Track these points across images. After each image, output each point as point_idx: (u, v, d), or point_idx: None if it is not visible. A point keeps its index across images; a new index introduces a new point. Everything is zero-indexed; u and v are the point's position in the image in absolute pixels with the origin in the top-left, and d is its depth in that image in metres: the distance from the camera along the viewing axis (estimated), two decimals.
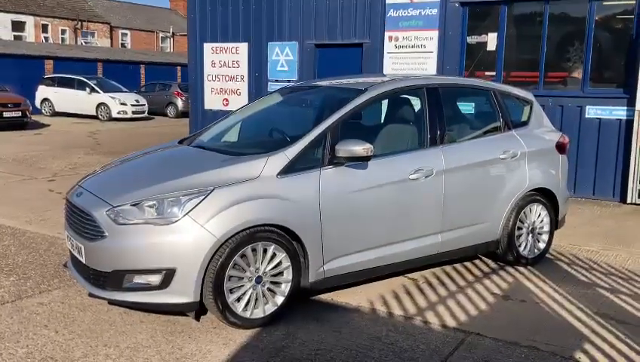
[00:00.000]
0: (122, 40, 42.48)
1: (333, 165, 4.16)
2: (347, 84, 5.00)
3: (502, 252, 5.24)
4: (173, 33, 44.97)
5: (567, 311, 4.36)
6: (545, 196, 5.40)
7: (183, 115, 25.43)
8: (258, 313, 3.91)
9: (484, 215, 5.02)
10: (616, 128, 8.36)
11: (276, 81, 11.05)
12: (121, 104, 22.86)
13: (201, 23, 11.74)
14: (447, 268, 5.25)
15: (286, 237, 3.94)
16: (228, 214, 3.73)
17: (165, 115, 25.63)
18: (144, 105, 23.78)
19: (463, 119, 5.18)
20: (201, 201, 3.71)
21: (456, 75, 9.26)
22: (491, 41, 9.24)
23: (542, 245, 5.47)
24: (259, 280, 3.90)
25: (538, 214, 5.39)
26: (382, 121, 4.81)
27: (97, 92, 23.09)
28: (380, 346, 3.71)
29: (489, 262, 5.46)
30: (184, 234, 3.65)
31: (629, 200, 8.25)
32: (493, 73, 9.17)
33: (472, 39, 9.38)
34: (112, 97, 22.89)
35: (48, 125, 19.66)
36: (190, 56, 12.09)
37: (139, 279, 3.72)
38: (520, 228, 5.27)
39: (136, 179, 4.15)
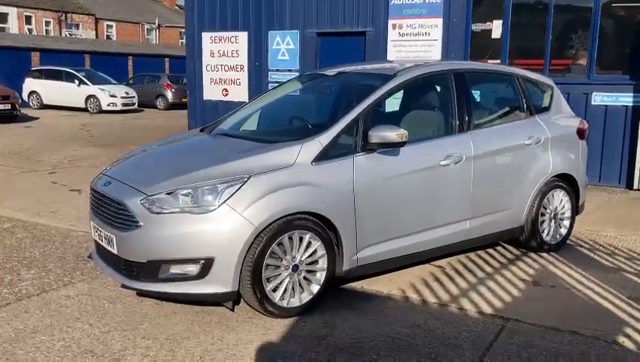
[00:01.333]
0: (107, 32, 41.87)
1: (365, 152, 4.09)
2: (372, 69, 4.93)
3: (525, 238, 5.22)
4: (159, 25, 44.42)
5: (599, 295, 4.35)
6: (566, 182, 5.39)
7: (172, 106, 25.25)
8: (295, 302, 3.85)
9: (509, 201, 4.99)
10: (622, 115, 8.39)
11: (277, 70, 10.95)
12: (111, 96, 22.55)
13: (199, 12, 11.57)
14: (471, 255, 5.22)
15: (321, 226, 3.88)
16: (265, 202, 3.65)
17: (155, 106, 25.35)
18: (134, 97, 23.49)
19: (489, 105, 5.14)
20: (238, 189, 3.63)
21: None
22: (496, 28, 9.21)
23: (563, 231, 5.47)
24: (295, 268, 3.84)
25: (560, 200, 5.38)
26: (410, 107, 4.74)
27: (86, 84, 22.75)
28: (421, 334, 3.66)
29: (511, 248, 5.44)
30: (223, 223, 3.57)
31: (635, 187, 8.30)
32: (498, 61, 9.13)
33: (477, 27, 9.35)
34: (101, 89, 22.57)
35: (37, 118, 19.32)
36: (188, 46, 11.93)
37: (176, 269, 3.64)
38: (543, 215, 5.25)
39: (167, 168, 4.04)
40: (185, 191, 3.66)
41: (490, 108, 5.11)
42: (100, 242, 4.06)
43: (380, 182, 4.14)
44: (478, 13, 9.29)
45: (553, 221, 5.35)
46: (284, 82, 5.43)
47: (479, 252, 5.30)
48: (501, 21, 9.13)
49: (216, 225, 3.57)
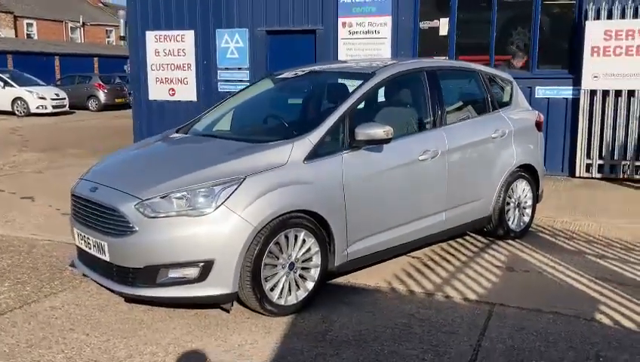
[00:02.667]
0: (28, 30, 39.97)
1: (351, 149, 4.19)
2: (349, 68, 5.03)
3: (493, 227, 5.47)
4: (83, 23, 42.83)
5: (569, 277, 4.64)
6: (528, 172, 5.69)
7: (105, 107, 24.47)
8: (292, 300, 3.90)
9: (479, 192, 5.22)
10: (563, 107, 8.88)
11: (226, 68, 10.87)
12: (40, 98, 21.61)
13: (142, 10, 11.29)
14: (444, 245, 5.43)
15: (314, 223, 3.95)
16: (262, 202, 3.68)
17: (87, 108, 24.49)
18: (64, 98, 22.60)
19: (458, 101, 5.35)
20: (235, 190, 3.63)
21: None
22: (443, 26, 9.52)
23: (526, 219, 5.77)
24: (291, 266, 3.88)
25: (523, 189, 5.67)
26: (388, 104, 4.87)
27: (12, 86, 21.71)
28: (417, 323, 3.80)
29: (479, 237, 5.68)
30: (221, 224, 3.57)
31: (577, 174, 8.81)
32: (446, 57, 9.45)
33: (425, 24, 9.63)
34: (29, 91, 21.58)
35: None
36: (131, 46, 11.63)
37: (174, 273, 3.60)
38: (508, 204, 5.52)
39: (157, 171, 3.99)
40: (180, 194, 3.63)
41: (459, 104, 5.32)
42: (87, 249, 3.95)
43: (367, 178, 4.25)
44: (425, 11, 9.57)
45: (517, 209, 5.64)
46: (256, 81, 5.44)
47: (450, 242, 5.51)
48: (448, 19, 9.44)
49: (215, 226, 3.57)
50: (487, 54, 9.21)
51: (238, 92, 5.49)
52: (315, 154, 4.01)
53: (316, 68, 5.19)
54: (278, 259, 3.81)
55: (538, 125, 5.89)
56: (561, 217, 6.50)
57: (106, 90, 24.74)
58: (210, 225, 3.56)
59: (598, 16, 8.43)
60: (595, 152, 8.71)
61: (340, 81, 4.82)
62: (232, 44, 10.74)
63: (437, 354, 3.37)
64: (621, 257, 5.11)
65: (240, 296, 3.73)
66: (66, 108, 22.63)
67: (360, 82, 4.48)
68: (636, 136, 8.49)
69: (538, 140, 5.88)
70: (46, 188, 8.22)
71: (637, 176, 8.58)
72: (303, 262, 3.95)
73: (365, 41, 9.79)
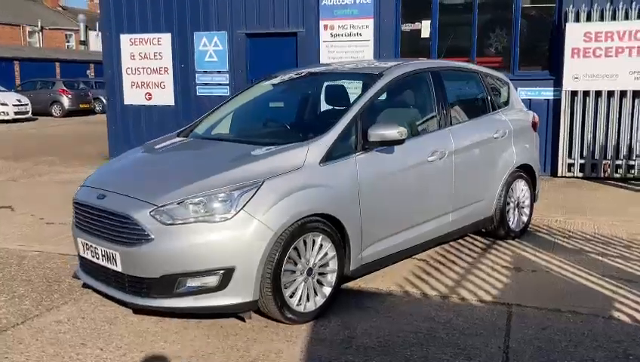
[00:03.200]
0: None
1: (364, 150, 4.12)
2: (353, 69, 4.97)
3: (495, 227, 5.47)
4: (42, 27, 41.68)
5: (577, 276, 4.66)
6: (526, 172, 5.72)
7: (70, 113, 23.86)
8: (310, 306, 3.80)
9: (482, 193, 5.22)
10: (544, 107, 9.00)
11: (205, 72, 10.68)
12: (1, 105, 20.89)
13: (116, 13, 11.00)
14: (446, 246, 5.40)
15: (331, 227, 3.86)
16: (282, 206, 3.57)
17: (50, 114, 23.85)
18: (27, 104, 21.95)
19: (461, 101, 5.33)
20: (254, 195, 3.51)
21: None
22: (425, 28, 9.56)
23: (525, 218, 5.79)
24: (309, 272, 3.78)
25: (521, 189, 5.69)
26: (395, 105, 4.81)
27: None
28: (439, 326, 3.74)
29: (479, 238, 5.67)
30: (242, 230, 3.44)
31: (559, 174, 8.94)
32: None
33: (407, 27, 9.65)
34: None
35: None
36: (105, 49, 11.31)
37: (193, 282, 3.46)
38: (508, 204, 5.53)
39: (169, 177, 3.83)
40: (197, 200, 3.49)
41: (462, 105, 5.31)
42: (94, 260, 3.77)
43: (380, 180, 4.18)
44: (407, 13, 9.59)
45: (516, 209, 5.66)
46: (255, 83, 5.31)
47: (452, 243, 5.49)
48: (429, 21, 9.48)
49: (236, 232, 3.44)
50: (468, 56, 9.28)
51: (237, 94, 5.35)
52: (329, 156, 3.92)
53: (317, 69, 5.12)
54: (296, 264, 3.70)
55: (534, 125, 5.93)
56: (554, 216, 6.56)
57: (70, 96, 24.14)
58: (229, 231, 3.43)
59: (577, 19, 8.59)
60: (576, 152, 8.86)
61: (347, 82, 4.75)
62: (211, 47, 10.56)
63: (467, 358, 3.32)
64: (622, 255, 5.17)
65: (259, 304, 3.61)
66: (29, 115, 21.96)
67: (368, 83, 4.41)
68: (616, 135, 8.67)
69: (534, 140, 5.92)
70: (24, 196, 7.90)
71: (617, 175, 8.76)
72: (320, 267, 3.85)
73: (348, 44, 9.75)
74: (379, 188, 4.17)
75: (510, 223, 5.57)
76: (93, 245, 3.74)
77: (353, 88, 4.49)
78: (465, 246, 5.43)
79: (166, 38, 10.81)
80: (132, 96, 11.20)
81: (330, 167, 3.90)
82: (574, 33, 8.56)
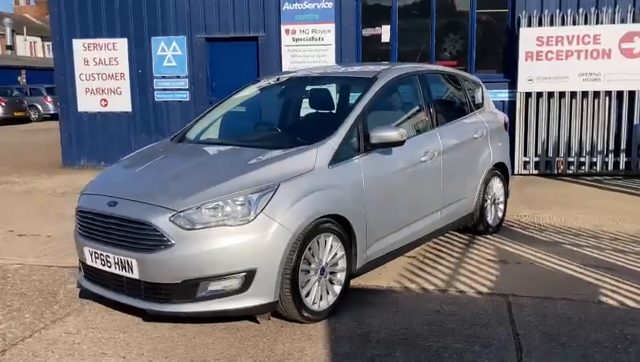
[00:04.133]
0: None
1: (366, 152, 4.24)
2: (346, 72, 5.11)
3: (474, 223, 5.72)
4: None
5: (559, 266, 4.95)
6: (500, 170, 6.01)
7: (4, 122, 22.87)
8: (323, 305, 3.89)
9: (465, 191, 5.45)
10: (500, 109, 9.28)
11: (163, 77, 10.56)
12: None
13: (67, 17, 10.70)
14: (431, 243, 5.58)
15: (340, 227, 3.96)
16: (298, 208, 3.65)
17: None
18: None
19: (444, 103, 5.55)
20: (272, 197, 3.57)
21: None
22: (385, 33, 9.82)
23: (500, 214, 6.09)
24: (322, 271, 3.87)
25: (497, 186, 5.98)
26: (389, 107, 4.96)
27: None
28: (447, 318, 3.91)
29: (458, 234, 5.90)
30: (262, 232, 3.50)
31: (516, 172, 9.37)
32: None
33: (367, 31, 9.88)
34: None
35: None
36: (56, 55, 10.98)
37: (215, 286, 3.48)
38: (486, 200, 5.80)
39: (183, 182, 3.82)
40: (216, 204, 3.51)
41: (446, 106, 5.53)
42: (105, 268, 3.72)
43: (381, 180, 4.32)
44: (367, 18, 9.82)
45: (493, 206, 5.94)
46: (244, 87, 5.33)
47: (435, 240, 5.68)
48: (389, 26, 9.74)
49: (256, 235, 3.49)
50: (427, 60, 9.59)
51: (227, 98, 5.33)
52: (336, 158, 4.03)
53: (310, 73, 5.22)
54: (310, 264, 3.78)
55: (505, 125, 6.24)
56: (522, 212, 6.91)
57: (3, 104, 23.13)
58: (250, 234, 3.48)
59: (529, 24, 9.06)
60: (531, 151, 9.32)
61: (343, 85, 4.87)
62: (169, 51, 10.44)
63: (484, 346, 3.50)
64: (594, 245, 5.52)
65: (278, 304, 3.66)
66: None
67: (364, 86, 4.54)
68: (567, 134, 9.19)
69: (506, 140, 6.23)
70: None
71: (569, 171, 9.28)
72: (330, 266, 3.94)
73: (309, 48, 9.88)
74: (380, 188, 4.30)
75: (488, 219, 5.84)
76: (104, 253, 3.68)
77: (348, 91, 4.60)
78: (447, 243, 5.65)
79: (122, 43, 10.60)
80: (86, 103, 10.91)
81: (338, 169, 4.01)
82: (527, 37, 9.02)
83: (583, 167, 9.22)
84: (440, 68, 5.85)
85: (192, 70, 10.40)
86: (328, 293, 3.94)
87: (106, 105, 10.84)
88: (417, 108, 5.00)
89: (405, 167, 4.57)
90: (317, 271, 3.83)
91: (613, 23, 8.78)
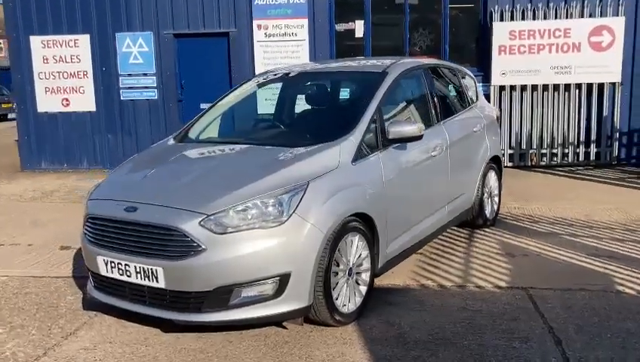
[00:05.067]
0: None
1: (384, 148, 4.15)
2: (356, 67, 5.02)
3: (474, 217, 5.71)
4: None
5: (566, 257, 4.99)
6: (495, 163, 6.03)
7: None
8: (351, 307, 3.77)
9: (467, 185, 5.44)
10: None
11: (129, 75, 10.13)
12: None
13: (23, 13, 10.12)
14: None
15: (365, 225, 3.85)
16: (328, 207, 3.52)
17: None
18: None
19: (447, 97, 5.51)
20: (302, 197, 3.43)
21: None
22: (359, 28, 9.74)
23: (495, 207, 6.11)
24: (350, 272, 3.75)
25: (493, 179, 6.00)
26: (399, 102, 4.86)
27: None
28: (476, 315, 3.86)
29: (457, 228, 5.87)
30: (296, 234, 3.35)
31: None
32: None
33: (341, 27, 9.78)
34: None
35: None
36: (13, 52, 10.37)
37: (249, 292, 3.31)
38: (484, 194, 5.81)
39: (206, 184, 3.60)
40: (244, 207, 3.34)
41: (448, 100, 5.49)
42: (124, 278, 3.48)
43: (398, 176, 4.23)
44: (341, 13, 9.72)
45: (490, 199, 5.96)
46: (243, 83, 5.12)
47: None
48: (362, 21, 9.68)
49: (290, 237, 3.34)
50: (402, 55, 9.58)
51: (228, 94, 5.09)
52: (358, 155, 3.92)
53: (317, 68, 5.10)
54: (339, 266, 3.66)
55: (497, 119, 6.27)
56: (510, 204, 6.96)
57: None
58: (284, 236, 3.33)
59: (502, 18, 9.17)
60: (505, 143, 9.45)
61: (353, 80, 4.75)
62: (135, 48, 10.04)
63: (523, 341, 3.46)
64: (591, 235, 5.61)
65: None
66: None
67: (376, 81, 4.43)
68: (540, 126, 9.37)
69: (499, 133, 6.26)
70: None
71: (542, 163, 9.47)
72: (356, 267, 3.83)
73: (283, 44, 9.70)
74: (398, 184, 4.21)
75: (486, 212, 5.85)
76: (123, 262, 3.45)
77: (359, 86, 4.49)
78: (449, 238, 5.61)
79: (84, 40, 10.12)
80: (47, 103, 10.37)
81: (361, 166, 3.90)
82: (500, 31, 9.13)
83: (556, 159, 9.42)
84: (440, 62, 5.82)
85: (160, 67, 10.04)
86: (355, 295, 3.82)
87: (68, 104, 10.33)
88: (424, 102, 4.93)
89: (419, 163, 4.50)
90: (345, 273, 3.71)
91: (582, 17, 8.99)
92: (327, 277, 3.50)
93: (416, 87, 4.98)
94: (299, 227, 3.36)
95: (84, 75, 10.24)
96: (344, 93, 4.80)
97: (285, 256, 3.33)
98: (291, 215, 3.36)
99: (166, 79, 10.06)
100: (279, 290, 3.34)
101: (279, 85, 5.15)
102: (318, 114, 4.76)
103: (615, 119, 9.19)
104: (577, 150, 9.35)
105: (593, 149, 9.33)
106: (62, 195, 8.24)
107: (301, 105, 4.92)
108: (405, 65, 4.81)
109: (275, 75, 5.08)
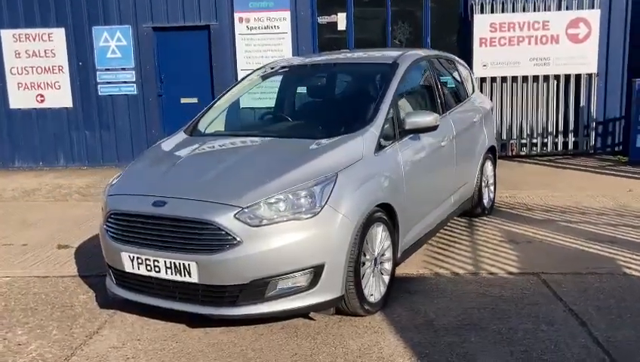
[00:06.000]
0: None
1: (401, 138, 4.19)
2: (365, 58, 5.06)
3: (473, 206, 5.81)
4: None
5: (568, 242, 5.13)
6: (491, 153, 6.15)
7: None
8: (377, 296, 3.80)
9: (468, 175, 5.53)
10: None
11: (107, 70, 9.89)
12: None
13: None
14: None
15: (387, 215, 3.88)
16: (356, 198, 3.54)
17: None
18: None
19: (450, 87, 5.57)
20: (333, 188, 3.43)
21: (311, 54, 9.56)
22: (341, 21, 9.75)
23: (492, 196, 6.23)
24: (375, 262, 3.78)
25: (489, 169, 6.11)
26: (409, 93, 4.89)
27: None
28: (497, 301, 3.94)
29: (456, 218, 5.96)
30: (329, 225, 3.36)
31: None
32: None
33: (323, 19, 9.76)
34: None
35: None
36: None
37: (284, 284, 3.30)
38: (482, 183, 5.90)
39: (238, 177, 3.56)
40: (276, 198, 3.33)
41: (451, 91, 5.56)
42: (153, 274, 3.42)
43: (413, 166, 4.28)
44: (323, 6, 9.69)
45: (487, 188, 6.07)
46: (251, 73, 5.06)
47: None
48: (345, 14, 9.69)
49: (323, 228, 3.34)
50: (384, 47, 9.63)
51: (234, 86, 5.03)
52: (379, 146, 3.94)
53: (327, 59, 5.08)
54: (365, 256, 3.68)
55: (491, 109, 6.38)
56: (500, 192, 7.10)
57: None
58: (318, 227, 3.33)
59: (482, 10, 9.32)
60: None
61: (364, 71, 4.76)
62: (113, 42, 9.81)
63: (548, 324, 3.56)
64: (586, 221, 5.78)
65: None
66: None
67: (388, 72, 4.46)
68: (520, 117, 9.57)
69: (494, 123, 6.38)
70: None
71: (522, 153, 9.68)
72: (381, 256, 3.86)
73: (265, 37, 9.63)
74: (414, 174, 4.26)
75: (484, 201, 5.96)
76: (151, 258, 3.39)
77: (371, 77, 4.50)
78: (451, 227, 5.68)
79: (59, 34, 9.82)
80: (20, 99, 10.04)
81: (383, 156, 3.93)
82: (481, 24, 9.28)
83: (535, 148, 9.64)
84: (441, 53, 5.87)
85: (139, 62, 9.83)
86: (380, 284, 3.85)
87: (42, 100, 10.03)
88: (431, 92, 4.98)
89: (431, 153, 4.56)
90: (371, 263, 3.73)
91: (560, 9, 9.22)
92: (357, 267, 3.52)
93: (424, 78, 5.03)
94: (331, 218, 3.37)
95: (59, 69, 9.95)
96: (357, 84, 4.81)
97: (319, 247, 3.33)
98: (324, 206, 3.36)
99: (145, 74, 9.86)
100: (313, 281, 3.34)
101: (290, 77, 5.12)
102: (333, 105, 4.75)
103: (592, 109, 9.46)
104: (556, 140, 9.59)
105: (571, 139, 9.58)
106: (44, 194, 8.01)
107: (314, 96, 4.90)
108: (413, 57, 4.84)
109: (284, 66, 5.05)
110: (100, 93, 9.97)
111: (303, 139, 3.93)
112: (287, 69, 5.06)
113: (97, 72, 9.92)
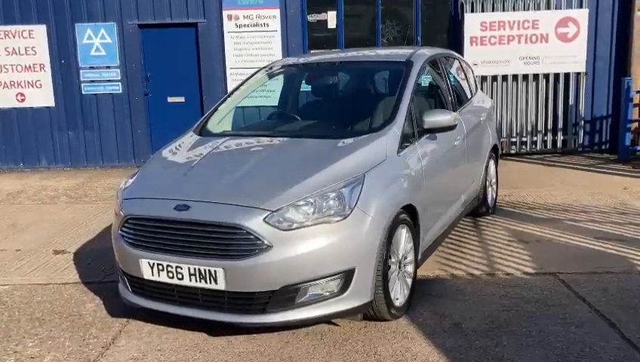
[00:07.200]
0: None
1: (419, 137, 4.11)
2: (378, 57, 4.98)
3: (479, 204, 5.77)
4: None
5: (577, 241, 5.12)
6: (494, 151, 6.12)
7: None
8: (402, 300, 3.71)
9: (475, 173, 5.49)
10: None
11: (91, 68, 9.60)
12: None
13: None
14: None
15: (410, 217, 3.79)
16: (384, 200, 3.44)
17: None
18: None
19: (458, 86, 5.51)
20: (361, 190, 3.33)
21: (300, 52, 9.44)
22: (331, 19, 9.64)
23: (494, 195, 6.21)
24: (399, 265, 3.69)
25: (492, 168, 6.09)
26: (421, 92, 4.81)
27: None
28: (520, 302, 3.89)
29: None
30: (358, 228, 3.26)
31: None
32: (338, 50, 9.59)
33: (313, 17, 9.64)
34: None
35: None
36: None
37: (315, 289, 3.19)
38: (486, 181, 5.87)
39: (264, 179, 3.42)
40: (305, 201, 3.21)
41: (460, 90, 5.50)
42: (175, 281, 3.27)
43: (431, 166, 4.20)
44: (313, 3, 9.57)
45: (490, 187, 6.04)
46: (258, 71, 4.92)
47: None
48: (335, 12, 9.59)
49: (354, 231, 3.24)
50: (375, 46, 9.57)
51: (241, 85, 4.87)
52: (401, 145, 3.85)
53: (338, 57, 4.98)
54: (391, 259, 3.59)
55: (492, 108, 6.36)
56: (499, 191, 7.08)
57: None
58: (348, 231, 3.23)
59: (472, 9, 9.32)
60: None
61: (380, 70, 4.67)
62: (97, 40, 9.53)
63: (577, 326, 3.51)
64: (590, 219, 5.79)
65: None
66: None
67: (403, 70, 4.38)
68: (511, 115, 9.60)
69: (495, 122, 6.35)
70: None
71: (512, 151, 9.72)
72: (404, 259, 3.77)
73: (254, 35, 9.47)
74: (432, 174, 4.18)
75: (488, 200, 5.92)
76: (174, 264, 3.24)
77: (386, 76, 4.42)
78: (457, 227, 5.62)
79: (40, 31, 9.50)
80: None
81: (405, 156, 3.85)
82: (472, 23, 9.28)
83: (525, 147, 9.69)
84: (447, 51, 5.80)
85: (124, 60, 9.57)
86: (404, 287, 3.76)
87: (23, 100, 9.69)
88: (443, 91, 4.93)
89: (446, 152, 4.50)
90: (397, 266, 3.64)
91: (549, 8, 9.27)
92: (385, 271, 3.43)
93: (435, 76, 4.96)
94: (361, 221, 3.27)
95: (40, 67, 9.62)
96: (373, 83, 4.71)
97: (350, 251, 3.23)
98: (353, 208, 3.26)
99: (131, 72, 9.61)
100: (344, 287, 3.24)
101: (299, 75, 4.99)
102: (351, 104, 4.64)
103: (580, 108, 9.54)
104: (545, 138, 9.65)
105: (560, 137, 9.65)
106: (30, 196, 7.72)
107: (327, 95, 4.79)
108: (426, 55, 4.77)
109: (291, 65, 4.93)
110: (83, 92, 9.68)
111: (324, 139, 3.82)
112: (294, 68, 4.94)
113: (81, 71, 9.62)
